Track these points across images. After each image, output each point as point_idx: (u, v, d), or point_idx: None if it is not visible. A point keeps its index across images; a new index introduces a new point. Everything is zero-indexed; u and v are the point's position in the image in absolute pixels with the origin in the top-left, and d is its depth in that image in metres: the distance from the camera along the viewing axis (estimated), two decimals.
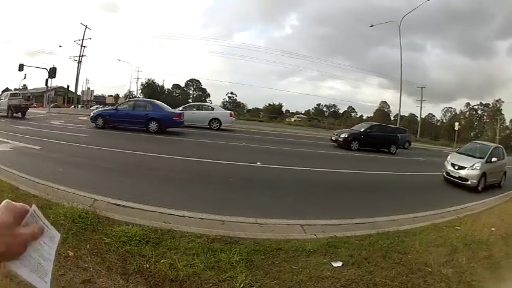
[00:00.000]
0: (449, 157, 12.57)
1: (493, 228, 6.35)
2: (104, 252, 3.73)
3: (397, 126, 33.44)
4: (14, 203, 0.72)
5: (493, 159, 11.78)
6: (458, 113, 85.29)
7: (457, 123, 55.82)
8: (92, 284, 3.15)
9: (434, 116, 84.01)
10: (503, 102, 78.01)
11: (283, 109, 72.97)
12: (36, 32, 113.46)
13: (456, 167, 11.47)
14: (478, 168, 11.05)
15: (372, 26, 37.60)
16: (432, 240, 5.24)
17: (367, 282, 3.61)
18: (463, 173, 11.15)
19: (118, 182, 7.16)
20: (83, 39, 48.88)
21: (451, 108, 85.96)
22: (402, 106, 39.30)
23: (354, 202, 7.56)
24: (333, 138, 19.79)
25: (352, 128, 21.86)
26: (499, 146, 13.88)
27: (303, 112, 76.29)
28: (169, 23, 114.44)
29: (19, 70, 39.00)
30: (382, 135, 20.29)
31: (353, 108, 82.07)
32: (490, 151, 12.05)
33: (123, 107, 18.07)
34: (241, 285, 3.24)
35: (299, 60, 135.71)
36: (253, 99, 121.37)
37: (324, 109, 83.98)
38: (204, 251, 3.85)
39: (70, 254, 3.62)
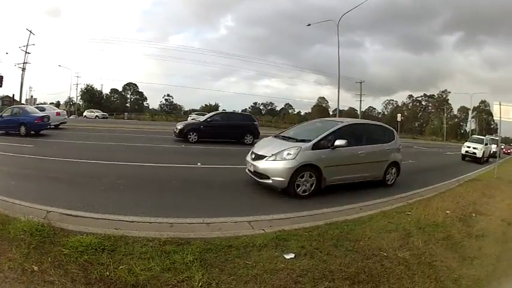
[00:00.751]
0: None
1: (447, 211, 6.56)
2: (65, 263, 3.75)
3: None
4: None
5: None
6: (400, 105, 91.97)
7: (399, 115, 60.97)
8: None
9: (375, 108, 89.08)
10: (449, 92, 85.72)
11: (220, 109, 73.85)
12: None
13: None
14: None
15: (309, 25, 37.77)
16: (383, 226, 5.44)
17: (323, 270, 3.77)
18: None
19: (67, 192, 7.05)
20: (27, 46, 47.08)
21: (392, 100, 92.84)
22: (341, 101, 41.40)
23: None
24: (175, 130, 18.51)
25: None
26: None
27: (240, 111, 77.42)
28: (106, 27, 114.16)
29: None
30: (231, 124, 18.88)
31: (290, 105, 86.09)
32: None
33: (6, 114, 19.39)
34: (200, 284, 3.36)
35: (234, 61, 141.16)
36: (190, 101, 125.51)
37: (261, 107, 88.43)
38: (158, 254, 3.94)
39: (35, 269, 3.63)
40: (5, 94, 55.45)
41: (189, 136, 17.61)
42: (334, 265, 3.92)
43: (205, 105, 76.22)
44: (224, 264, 3.81)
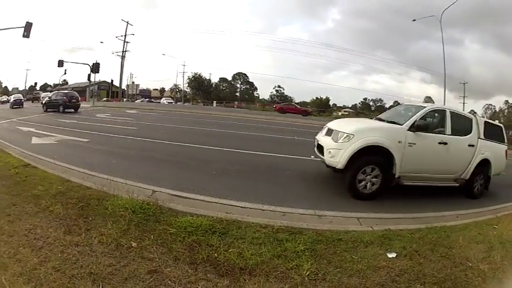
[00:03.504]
0: None
1: None
2: (170, 242, 3.86)
3: None
4: None
5: None
6: (497, 110, 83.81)
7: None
8: (158, 273, 3.22)
9: (476, 112, 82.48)
10: None
11: (330, 103, 72.78)
12: (75, 29, 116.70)
13: None
14: None
15: (414, 20, 37.35)
16: (473, 236, 5.34)
17: (417, 272, 3.77)
18: None
19: (174, 173, 7.39)
20: (125, 35, 50.29)
21: (491, 105, 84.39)
22: (445, 102, 38.99)
23: None
24: None
25: None
26: None
27: (350, 106, 76.22)
28: (211, 18, 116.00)
29: (58, 66, 40.63)
30: None
31: (398, 103, 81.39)
32: None
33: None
34: (307, 273, 3.43)
35: (343, 54, 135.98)
36: (300, 93, 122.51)
37: (371, 103, 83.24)
38: (271, 240, 4.06)
39: (133, 245, 3.72)
40: (102, 80, 58.76)
41: None
42: (428, 269, 3.90)
43: (316, 98, 75.39)
44: (332, 257, 3.88)
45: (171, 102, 59.46)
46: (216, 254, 3.66)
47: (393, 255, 4.09)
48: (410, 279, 3.62)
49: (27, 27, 24.44)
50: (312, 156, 10.29)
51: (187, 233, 4.07)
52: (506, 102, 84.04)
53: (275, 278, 3.34)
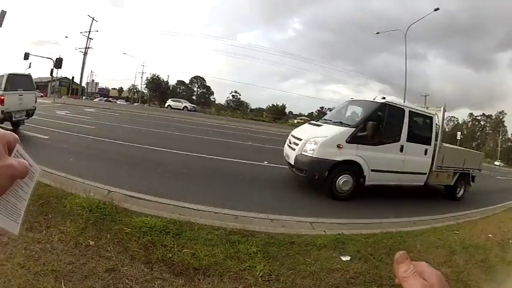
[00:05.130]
0: None
1: (490, 235, 6.59)
2: (126, 241, 3.86)
3: None
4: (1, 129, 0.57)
5: None
6: (460, 122, 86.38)
7: (459, 133, 56.01)
8: (116, 272, 3.25)
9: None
10: (505, 114, 79.58)
11: (287, 110, 73.09)
12: (42, 22, 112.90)
13: None
14: None
15: (378, 33, 38.14)
16: (432, 242, 5.51)
17: (373, 275, 3.85)
18: None
19: (129, 174, 7.30)
20: (89, 31, 48.79)
21: (454, 117, 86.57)
22: None
23: None
24: None
25: None
26: None
27: (306, 114, 76.33)
28: (174, 20, 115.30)
29: (24, 59, 37.86)
30: None
31: None
32: None
33: None
34: (260, 274, 3.45)
35: (302, 63, 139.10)
36: (256, 99, 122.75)
37: (327, 112, 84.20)
38: (223, 242, 4.07)
39: (91, 243, 3.73)
40: (64, 76, 56.81)
41: None
42: (384, 271, 3.96)
43: (272, 105, 75.64)
44: (285, 259, 3.92)
45: (128, 103, 58.61)
46: (170, 254, 3.66)
47: (347, 258, 4.15)
48: (366, 281, 3.69)
49: (1, 16, 23.48)
50: (266, 162, 10.61)
51: (142, 233, 4.04)
52: (471, 114, 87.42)
53: (229, 278, 3.37)
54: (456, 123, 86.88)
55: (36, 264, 3.20)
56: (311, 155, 7.34)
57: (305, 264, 3.84)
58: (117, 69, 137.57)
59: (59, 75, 43.98)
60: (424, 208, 8.15)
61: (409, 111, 8.44)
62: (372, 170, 7.75)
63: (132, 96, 70.66)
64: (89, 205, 4.66)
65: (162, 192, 5.90)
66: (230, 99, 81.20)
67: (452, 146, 12.04)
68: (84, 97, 54.95)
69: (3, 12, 23.53)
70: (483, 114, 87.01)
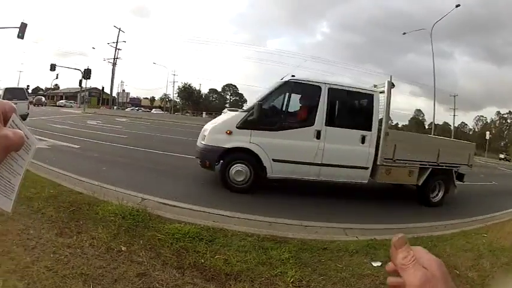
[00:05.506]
0: None
1: None
2: (158, 247, 3.94)
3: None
4: None
5: None
6: (489, 121, 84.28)
7: (487, 132, 54.85)
8: (147, 276, 3.31)
9: (466, 124, 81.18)
10: None
11: None
12: (68, 33, 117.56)
13: None
14: None
15: (404, 33, 37.76)
16: (461, 246, 5.41)
17: None
18: None
19: (163, 182, 7.47)
20: (117, 42, 50.06)
21: (483, 116, 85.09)
22: (435, 115, 38.61)
23: None
24: None
25: None
26: None
27: None
28: (201, 28, 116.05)
29: (51, 70, 39.48)
30: None
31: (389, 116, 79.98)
32: None
33: None
34: (291, 280, 3.48)
35: (331, 67, 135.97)
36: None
37: None
38: (256, 248, 4.13)
39: (123, 249, 3.82)
40: (93, 86, 58.34)
41: None
42: None
43: None
44: (317, 265, 3.95)
45: (164, 112, 59.73)
46: (202, 260, 3.73)
47: (378, 264, 4.13)
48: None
49: (22, 28, 24.13)
50: None
51: (175, 239, 4.14)
52: (498, 113, 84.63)
53: (260, 284, 3.41)
54: (485, 122, 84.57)
55: (64, 268, 3.29)
56: (203, 143, 6.98)
57: (336, 270, 3.86)
58: (148, 78, 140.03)
59: (88, 86, 45.26)
60: (454, 211, 7.99)
61: (329, 88, 7.00)
62: (274, 160, 6.80)
63: (164, 105, 71.73)
64: (121, 212, 4.79)
65: (195, 200, 6.01)
66: None
67: (411, 132, 9.50)
68: (115, 107, 56.14)
69: (24, 25, 24.28)
70: (509, 111, 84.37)
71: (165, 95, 75.43)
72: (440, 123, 64.56)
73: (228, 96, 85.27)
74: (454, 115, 56.71)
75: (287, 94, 6.93)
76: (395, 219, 6.52)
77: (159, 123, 28.87)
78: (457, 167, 8.36)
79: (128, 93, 69.07)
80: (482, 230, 6.59)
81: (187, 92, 76.21)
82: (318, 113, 6.88)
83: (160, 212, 5.14)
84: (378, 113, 7.30)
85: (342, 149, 7.00)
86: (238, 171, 6.77)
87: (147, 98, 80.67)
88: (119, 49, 51.05)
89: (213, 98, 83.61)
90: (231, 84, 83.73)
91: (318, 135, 6.83)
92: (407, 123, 79.85)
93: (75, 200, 5.34)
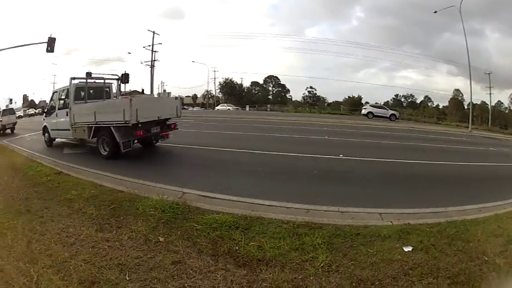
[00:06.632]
0: None
1: None
2: (195, 237, 4.19)
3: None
4: None
5: None
6: None
7: None
8: (181, 264, 3.54)
9: (502, 103, 76.70)
10: None
11: (363, 101, 70.89)
12: (101, 42, 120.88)
13: None
14: None
15: (435, 12, 36.78)
16: (492, 230, 5.22)
17: (431, 266, 3.78)
18: None
19: (204, 176, 7.80)
20: (152, 45, 50.44)
21: None
22: (472, 94, 37.12)
23: None
24: None
25: None
26: None
27: (383, 103, 74.51)
28: (236, 24, 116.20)
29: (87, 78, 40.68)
30: None
31: (429, 98, 75.10)
32: None
33: None
34: (321, 265, 3.59)
35: (370, 51, 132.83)
36: (332, 93, 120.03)
37: (402, 99, 78.89)
38: (290, 235, 4.27)
39: (160, 240, 4.09)
40: (133, 89, 60.19)
41: None
42: (443, 263, 3.89)
43: (348, 97, 72.10)
44: (348, 250, 4.02)
45: (203, 109, 62.41)
46: (237, 247, 3.93)
47: (409, 248, 4.14)
48: (423, 273, 3.64)
49: (50, 42, 24.80)
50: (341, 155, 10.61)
51: (212, 229, 4.37)
52: None
53: (290, 268, 3.54)
54: None
55: (102, 260, 3.59)
56: None
57: (367, 255, 3.90)
58: (188, 77, 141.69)
59: (127, 89, 46.47)
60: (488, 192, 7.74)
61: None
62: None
63: (207, 101, 72.69)
64: (161, 206, 5.09)
65: (237, 191, 6.22)
66: (306, 95, 78.21)
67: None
68: None
69: (52, 39, 25.05)
70: None
71: (207, 91, 75.68)
72: (478, 102, 60.55)
73: (270, 88, 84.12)
74: (490, 93, 53.33)
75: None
76: (431, 203, 6.34)
77: (202, 119, 29.63)
78: (120, 123, 9.44)
79: (169, 93, 70.37)
80: None
81: (229, 87, 76.41)
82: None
83: (200, 204, 5.41)
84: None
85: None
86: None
87: (189, 96, 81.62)
88: (155, 51, 51.82)
89: (255, 90, 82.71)
90: (273, 76, 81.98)
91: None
92: (447, 104, 75.88)
93: (116, 198, 5.73)
